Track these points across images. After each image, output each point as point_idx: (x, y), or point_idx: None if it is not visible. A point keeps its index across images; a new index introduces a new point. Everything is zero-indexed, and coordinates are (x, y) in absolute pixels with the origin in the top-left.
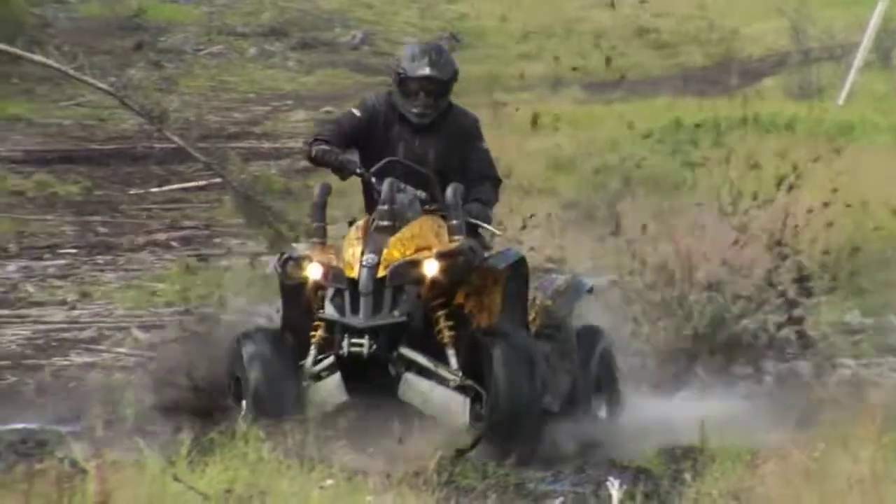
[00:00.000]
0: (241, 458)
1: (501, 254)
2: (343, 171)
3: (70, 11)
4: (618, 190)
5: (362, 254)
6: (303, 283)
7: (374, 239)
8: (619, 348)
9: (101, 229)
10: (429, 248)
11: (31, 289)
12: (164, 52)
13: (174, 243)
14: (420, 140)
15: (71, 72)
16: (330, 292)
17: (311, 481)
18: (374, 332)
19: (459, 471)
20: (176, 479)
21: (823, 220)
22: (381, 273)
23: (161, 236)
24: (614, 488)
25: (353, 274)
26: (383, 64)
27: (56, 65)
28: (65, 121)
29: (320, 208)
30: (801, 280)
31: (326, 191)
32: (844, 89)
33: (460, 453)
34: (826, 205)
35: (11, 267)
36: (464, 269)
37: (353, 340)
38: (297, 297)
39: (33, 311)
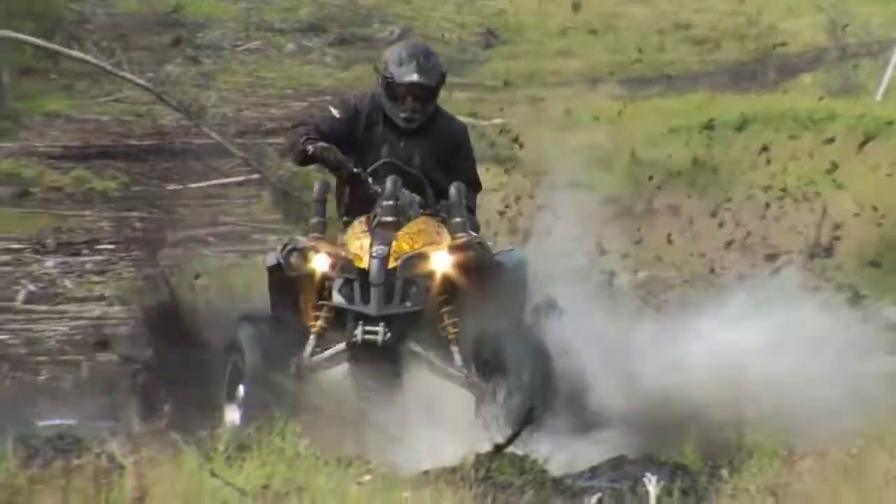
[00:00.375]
0: (278, 453)
1: (506, 253)
2: (340, 169)
3: (108, 7)
4: (655, 185)
5: (371, 245)
6: (306, 274)
7: (380, 233)
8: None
9: (139, 225)
10: (435, 244)
11: (69, 284)
12: (201, 47)
13: (212, 239)
14: (405, 143)
15: (109, 67)
16: (338, 283)
17: (349, 477)
18: (388, 321)
19: (496, 466)
20: (213, 474)
21: (868, 219)
22: (391, 264)
23: (199, 232)
24: (651, 484)
25: (363, 265)
26: None
27: (94, 60)
28: (103, 116)
29: (320, 204)
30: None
31: (326, 188)
32: (882, 85)
33: (498, 449)
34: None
35: (49, 262)
36: (473, 263)
37: (368, 328)
38: (286, 289)
39: (71, 307)
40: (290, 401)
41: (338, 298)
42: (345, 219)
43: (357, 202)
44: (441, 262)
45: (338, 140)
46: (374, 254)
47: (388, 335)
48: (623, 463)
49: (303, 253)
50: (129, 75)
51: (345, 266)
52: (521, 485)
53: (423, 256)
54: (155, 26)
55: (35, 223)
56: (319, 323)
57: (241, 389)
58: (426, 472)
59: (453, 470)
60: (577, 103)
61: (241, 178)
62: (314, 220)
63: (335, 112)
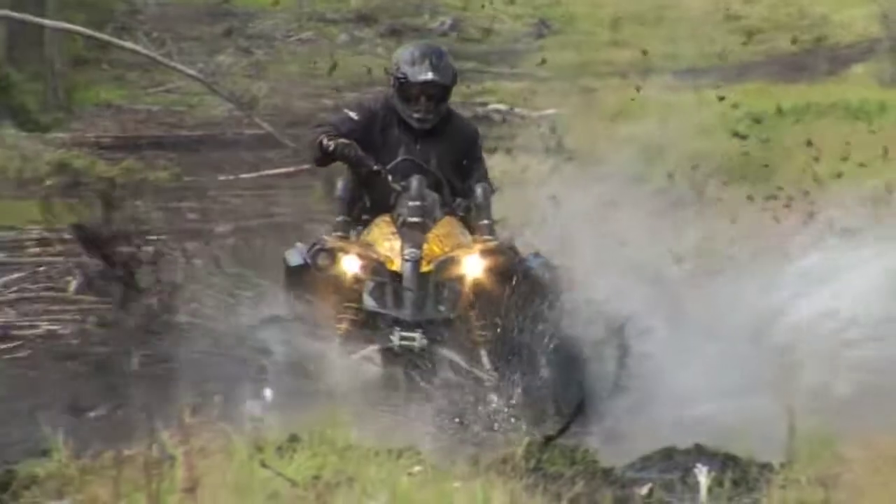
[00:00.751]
0: (329, 444)
1: (532, 257)
2: (361, 166)
3: None
4: (707, 176)
5: (402, 248)
6: (334, 275)
7: (409, 234)
8: None
9: (191, 216)
10: (463, 247)
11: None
12: (253, 38)
13: (263, 230)
14: (421, 145)
15: (159, 58)
16: (369, 285)
17: (399, 468)
18: (422, 326)
19: (547, 457)
20: (264, 465)
21: None
22: (424, 268)
23: (251, 223)
24: (702, 475)
25: (395, 267)
26: (473, 50)
27: (145, 51)
28: (154, 107)
29: (345, 203)
30: None
31: (350, 186)
32: None
33: (548, 440)
34: None
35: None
36: (504, 267)
37: (405, 334)
38: (310, 289)
39: None
40: (321, 401)
41: (370, 302)
42: (364, 217)
43: (376, 201)
44: (473, 267)
45: (356, 141)
46: (406, 257)
47: (425, 341)
48: (673, 453)
49: (332, 253)
50: (179, 66)
51: (376, 269)
52: (571, 475)
53: (454, 260)
54: (206, 17)
55: (86, 214)
56: (345, 325)
57: (267, 392)
58: (477, 463)
59: (504, 461)
60: (629, 94)
61: (292, 169)
62: (338, 218)
63: (352, 114)
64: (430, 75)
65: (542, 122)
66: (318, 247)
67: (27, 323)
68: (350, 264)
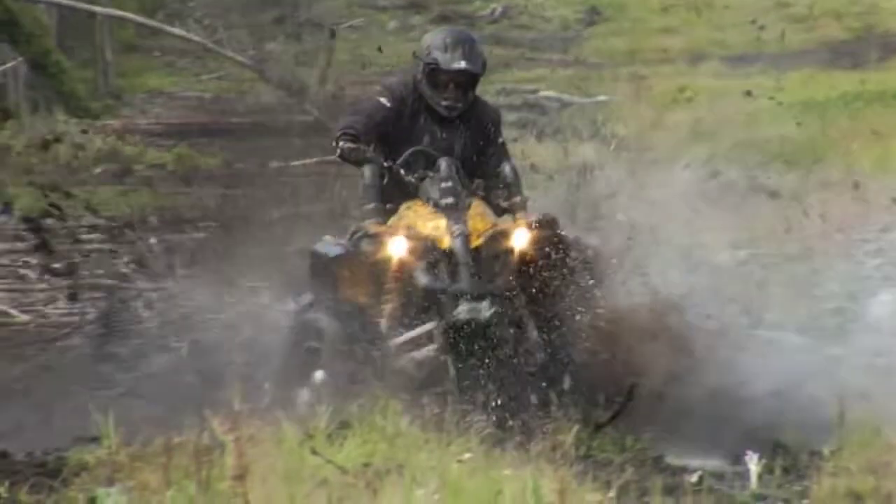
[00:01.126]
0: (379, 431)
1: (573, 236)
2: (372, 163)
3: None
4: (757, 163)
5: (448, 226)
6: (380, 260)
7: (449, 213)
8: None
9: (242, 202)
10: (506, 222)
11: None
12: (303, 25)
13: (314, 216)
14: (446, 132)
15: (210, 45)
16: (420, 265)
17: (450, 455)
18: (488, 298)
19: (597, 444)
20: (314, 452)
21: None
22: (475, 243)
23: (302, 209)
24: (752, 462)
25: (445, 245)
26: (524, 38)
27: (196, 38)
28: (205, 94)
29: (374, 189)
30: None
31: (377, 172)
32: None
33: (598, 427)
34: None
35: (152, 240)
36: (550, 240)
37: (472, 305)
38: (328, 274)
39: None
40: (376, 383)
41: (425, 281)
42: (388, 206)
43: (397, 190)
44: (521, 239)
45: (386, 129)
46: (456, 233)
47: (491, 311)
48: (724, 441)
49: (377, 238)
50: (230, 53)
51: (427, 248)
52: (621, 462)
53: (504, 234)
54: (257, 4)
55: (136, 200)
56: (391, 306)
57: (317, 375)
58: (527, 450)
59: (553, 448)
60: (679, 81)
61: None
62: (370, 206)
63: (384, 100)
64: (462, 64)
65: (592, 110)
66: (360, 233)
67: None
68: (397, 247)
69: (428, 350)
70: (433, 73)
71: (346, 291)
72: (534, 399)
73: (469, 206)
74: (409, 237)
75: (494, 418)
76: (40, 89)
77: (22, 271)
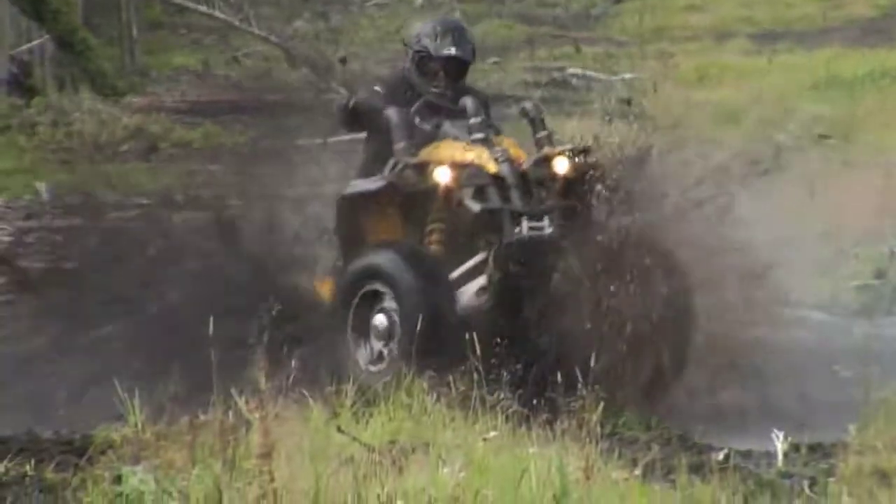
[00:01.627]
0: (405, 409)
1: None
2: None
3: None
4: (782, 141)
5: (491, 152)
6: (424, 190)
7: (486, 142)
8: None
9: (268, 181)
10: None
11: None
12: (330, 3)
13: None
14: (438, 121)
15: (237, 23)
16: (468, 192)
17: (475, 433)
18: (546, 216)
19: (623, 422)
20: (340, 430)
21: None
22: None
23: (328, 188)
24: (779, 440)
25: (492, 170)
26: (550, 15)
27: (222, 16)
28: (231, 72)
29: (404, 127)
30: None
31: (403, 113)
32: None
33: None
34: None
35: (178, 219)
36: (589, 168)
37: (533, 224)
38: (354, 215)
39: (198, 263)
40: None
41: (477, 206)
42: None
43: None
44: (564, 166)
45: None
46: (499, 158)
47: (553, 228)
48: (749, 418)
49: (420, 168)
50: (257, 31)
51: (475, 173)
52: (647, 441)
53: (546, 159)
54: None
55: (163, 178)
56: (434, 237)
57: (379, 318)
58: (552, 428)
59: (579, 426)
60: (707, 58)
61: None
62: (401, 144)
63: (378, 88)
64: (452, 50)
65: (620, 87)
66: (400, 166)
67: None
68: (443, 175)
69: (479, 282)
70: (423, 60)
71: (378, 234)
72: (559, 377)
73: (502, 138)
74: (452, 166)
75: (521, 395)
76: (67, 67)
77: None
